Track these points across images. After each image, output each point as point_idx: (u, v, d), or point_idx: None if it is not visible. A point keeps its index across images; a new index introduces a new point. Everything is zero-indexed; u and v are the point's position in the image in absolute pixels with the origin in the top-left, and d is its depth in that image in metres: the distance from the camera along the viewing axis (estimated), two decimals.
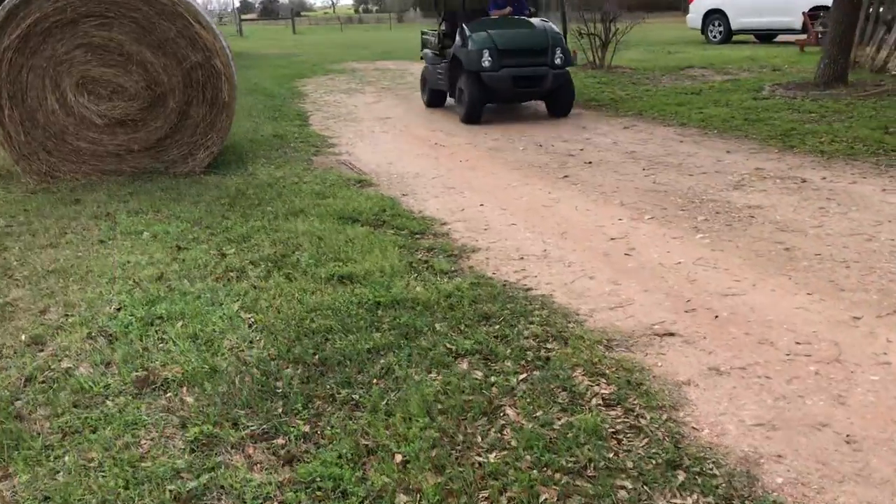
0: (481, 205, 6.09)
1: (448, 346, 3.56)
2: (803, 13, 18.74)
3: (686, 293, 4.12)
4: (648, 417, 2.94)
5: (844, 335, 3.53)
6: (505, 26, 10.23)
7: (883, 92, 9.84)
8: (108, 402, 3.23)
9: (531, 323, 3.78)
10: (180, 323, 3.93)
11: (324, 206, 5.96)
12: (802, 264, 4.42)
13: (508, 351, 3.49)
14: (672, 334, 3.66)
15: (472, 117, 10.00)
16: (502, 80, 9.65)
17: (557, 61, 9.77)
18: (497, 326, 3.75)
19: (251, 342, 3.70)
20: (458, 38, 10.21)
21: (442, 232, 5.42)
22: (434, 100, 11.79)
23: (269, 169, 7.45)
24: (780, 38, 20.96)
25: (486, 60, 9.61)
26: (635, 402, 3.05)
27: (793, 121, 8.66)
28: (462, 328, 3.75)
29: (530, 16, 11.05)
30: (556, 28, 10.37)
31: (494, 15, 10.78)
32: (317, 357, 3.51)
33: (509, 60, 9.66)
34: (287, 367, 3.44)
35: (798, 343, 3.49)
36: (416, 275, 4.47)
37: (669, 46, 20.65)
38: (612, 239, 5.06)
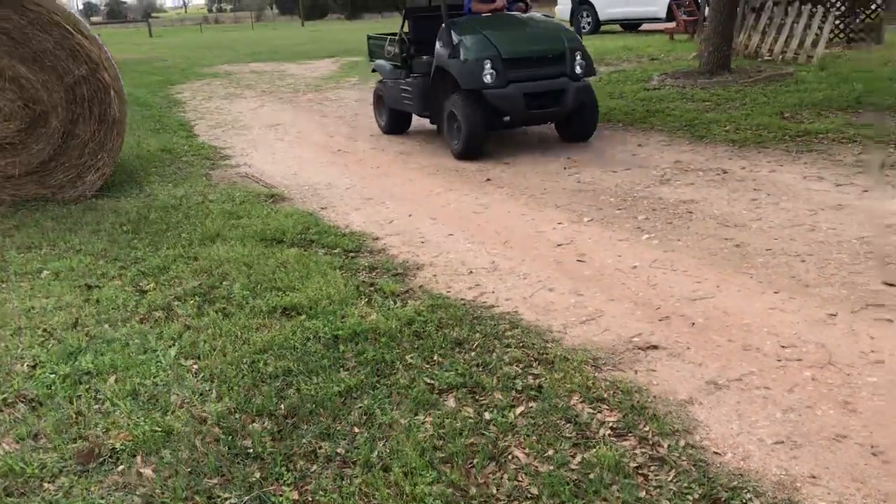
0: (409, 215, 5.80)
1: (428, 380, 3.27)
2: (670, 2, 19.39)
3: (653, 300, 4.00)
4: (666, 445, 2.76)
5: (827, 335, 3.48)
6: (503, 26, 7.77)
7: (767, 78, 10.20)
8: (47, 486, 2.76)
9: (508, 346, 3.54)
10: (113, 378, 3.45)
11: (241, 227, 5.51)
12: (758, 261, 4.38)
13: (494, 381, 3.24)
14: (655, 347, 3.50)
15: (471, 150, 7.44)
16: (511, 99, 7.20)
17: (578, 70, 7.45)
18: (473, 353, 3.49)
19: (202, 395, 3.28)
20: (439, 44, 7.65)
21: (377, 248, 5.10)
22: (396, 125, 9.23)
23: (167, 188, 6.87)
24: (645, 26, 21.63)
25: (489, 74, 7.15)
26: (646, 429, 2.87)
27: (691, 110, 8.82)
28: (436, 359, 3.46)
29: (525, 11, 8.63)
30: (568, 27, 8.03)
31: (477, 10, 8.24)
32: (283, 406, 3.15)
33: (518, 73, 7.25)
34: (252, 422, 3.06)
35: (784, 347, 3.41)
36: (366, 300, 4.15)
37: None
38: (558, 245, 4.89)
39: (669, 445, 2.76)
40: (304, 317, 3.94)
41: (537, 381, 3.23)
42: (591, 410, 3.01)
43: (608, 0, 21.30)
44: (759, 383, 3.15)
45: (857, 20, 14.22)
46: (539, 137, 8.41)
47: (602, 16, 21.56)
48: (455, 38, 7.38)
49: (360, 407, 3.11)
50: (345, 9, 60.66)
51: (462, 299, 4.14)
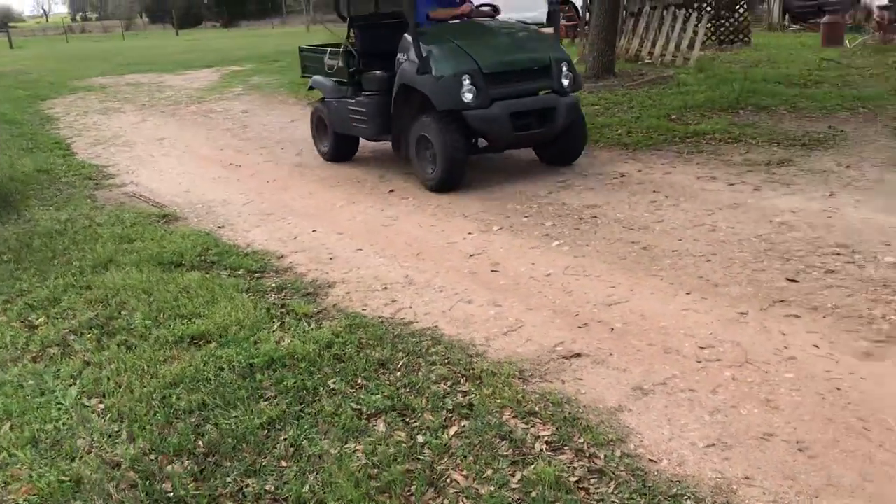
0: (314, 230, 5.64)
1: (354, 406, 3.16)
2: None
3: (571, 307, 4.01)
4: (602, 456, 2.76)
5: (741, 333, 3.58)
6: (477, 35, 6.65)
7: (650, 81, 10.55)
8: None
9: (433, 364, 3.47)
10: (8, 425, 3.19)
11: (135, 251, 5.22)
12: (666, 262, 4.48)
13: (423, 402, 3.16)
14: (579, 355, 3.51)
15: (451, 180, 6.34)
16: (496, 121, 6.13)
17: (566, 83, 6.47)
18: (398, 374, 3.40)
19: (112, 437, 3.07)
20: (402, 57, 6.54)
21: (283, 267, 4.92)
22: (343, 151, 7.92)
23: (48, 212, 6.44)
24: None
25: (469, 91, 6.07)
26: (581, 441, 2.86)
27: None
28: (361, 382, 3.35)
29: (493, 16, 7.53)
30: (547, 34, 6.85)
31: (436, 17, 6.98)
32: (202, 444, 2.98)
33: (501, 89, 6.21)
34: (170, 464, 2.88)
35: (702, 348, 3.48)
36: (279, 323, 3.99)
37: None
38: (471, 256, 4.86)
39: (606, 456, 2.76)
40: (214, 345, 3.75)
41: (467, 398, 3.17)
42: (524, 425, 2.97)
43: None
44: (683, 386, 3.20)
45: (727, 23, 14.97)
46: None
47: None
48: (424, 49, 6.26)
49: (286, 439, 2.98)
50: (220, 16, 59.08)
51: (380, 317, 4.04)
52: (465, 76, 6.08)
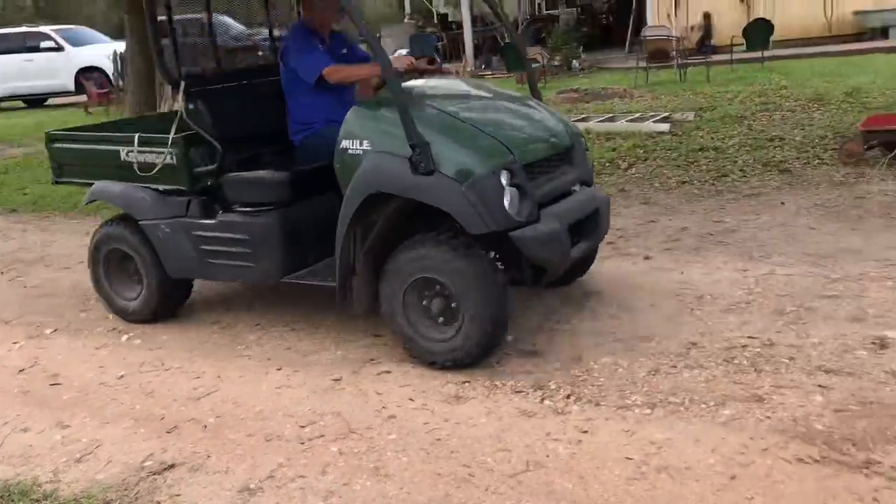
0: None
1: None
2: (76, 74, 18.69)
3: (155, 410, 3.57)
4: None
5: (339, 402, 3.48)
6: (467, 102, 4.19)
7: None
8: None
9: None
10: None
11: None
12: (250, 338, 4.24)
13: None
14: (172, 466, 3.11)
15: (489, 350, 3.72)
16: (556, 241, 3.66)
17: (591, 168, 4.49)
18: None
19: None
20: (355, 146, 3.72)
21: None
22: (170, 302, 4.63)
23: None
24: (53, 101, 20.47)
25: (510, 196, 3.56)
26: None
27: None
28: None
29: (437, 70, 4.77)
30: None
31: (339, 79, 4.15)
32: None
33: (540, 187, 3.83)
34: None
35: (303, 426, 3.32)
36: None
37: None
38: (21, 370, 4.10)
39: None
40: None
41: None
42: None
43: (6, 74, 19.44)
44: (291, 474, 2.99)
45: None
46: None
47: (1, 91, 19.64)
48: (421, 130, 3.54)
49: None
50: None
51: None
52: (503, 173, 3.60)
